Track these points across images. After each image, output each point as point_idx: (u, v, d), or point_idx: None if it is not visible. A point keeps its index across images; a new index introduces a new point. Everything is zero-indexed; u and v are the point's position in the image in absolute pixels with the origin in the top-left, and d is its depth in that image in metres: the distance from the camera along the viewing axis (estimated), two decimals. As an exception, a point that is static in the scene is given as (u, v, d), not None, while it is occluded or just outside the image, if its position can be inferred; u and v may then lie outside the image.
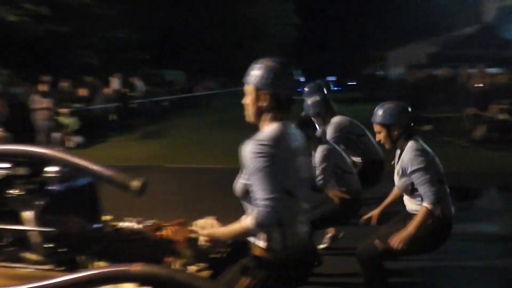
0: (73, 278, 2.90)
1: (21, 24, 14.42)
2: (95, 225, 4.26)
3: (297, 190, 2.16)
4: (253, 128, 2.20)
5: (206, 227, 4.60)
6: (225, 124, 15.12)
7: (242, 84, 2.23)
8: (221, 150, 9.57)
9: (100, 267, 3.49)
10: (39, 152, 4.16)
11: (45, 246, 4.11)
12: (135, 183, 4.37)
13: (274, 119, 2.17)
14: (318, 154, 3.93)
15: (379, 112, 3.29)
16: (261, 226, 2.04)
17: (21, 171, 4.37)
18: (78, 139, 12.47)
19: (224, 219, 4.68)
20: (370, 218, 3.53)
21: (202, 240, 4.38)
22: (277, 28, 35.96)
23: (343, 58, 47.38)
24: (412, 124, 3.30)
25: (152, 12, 24.47)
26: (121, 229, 4.68)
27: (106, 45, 20.24)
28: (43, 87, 11.52)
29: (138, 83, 18.03)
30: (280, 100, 2.15)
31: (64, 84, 14.04)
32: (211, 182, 4.83)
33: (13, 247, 4.39)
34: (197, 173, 5.85)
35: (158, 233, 4.61)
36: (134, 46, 22.51)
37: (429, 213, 3.05)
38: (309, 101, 4.84)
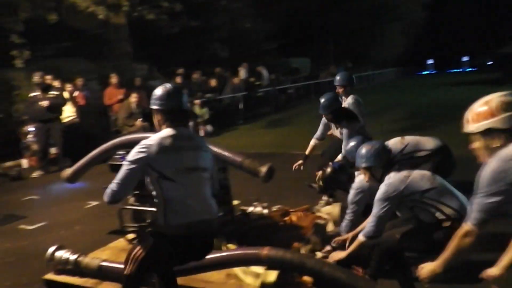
0: (207, 259, 3.09)
1: (158, 22, 15.48)
2: (226, 209, 4.49)
3: (179, 177, 2.69)
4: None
5: (332, 214, 4.62)
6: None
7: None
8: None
9: (231, 250, 3.67)
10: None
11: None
12: (264, 169, 4.52)
13: (168, 127, 2.82)
14: (349, 197, 4.08)
15: (359, 155, 3.56)
16: (107, 202, 2.72)
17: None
18: (208, 128, 13.12)
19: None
20: (344, 241, 3.82)
21: (329, 227, 4.41)
22: (406, 8, 34.18)
23: (478, 36, 43.79)
24: (391, 161, 3.57)
25: (276, 2, 24.74)
26: (250, 213, 4.88)
27: (234, 36, 20.95)
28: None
29: (264, 72, 18.40)
30: (170, 114, 2.83)
31: (196, 76, 14.79)
32: (336, 169, 4.81)
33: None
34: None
35: (285, 218, 4.72)
36: (260, 36, 22.99)
37: (362, 244, 3.40)
38: (347, 147, 4.48)
